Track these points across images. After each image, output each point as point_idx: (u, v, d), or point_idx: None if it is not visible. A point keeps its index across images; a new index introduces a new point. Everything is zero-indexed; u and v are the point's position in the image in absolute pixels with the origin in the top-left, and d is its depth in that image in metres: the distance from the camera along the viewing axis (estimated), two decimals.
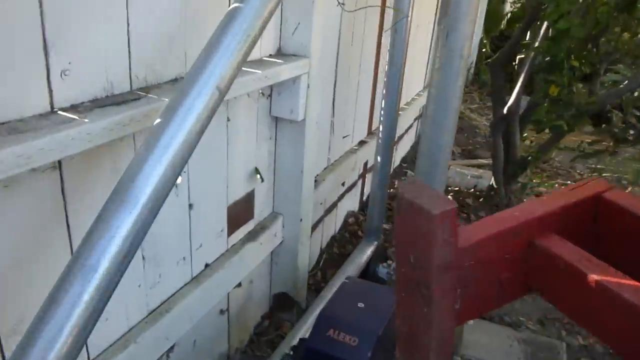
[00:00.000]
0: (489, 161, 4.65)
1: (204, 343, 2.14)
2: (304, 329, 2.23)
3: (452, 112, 1.84)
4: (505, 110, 3.99)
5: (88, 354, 1.49)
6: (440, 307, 0.84)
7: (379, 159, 3.14)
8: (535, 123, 3.58)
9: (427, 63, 5.33)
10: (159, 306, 1.80)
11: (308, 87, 2.19)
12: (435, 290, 0.82)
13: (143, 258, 1.67)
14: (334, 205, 3.42)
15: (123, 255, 1.02)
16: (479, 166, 5.09)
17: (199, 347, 2.11)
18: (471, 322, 2.54)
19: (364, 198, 4.17)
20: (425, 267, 0.82)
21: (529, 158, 4.03)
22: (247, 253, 2.22)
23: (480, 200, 4.39)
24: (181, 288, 1.90)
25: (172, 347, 1.91)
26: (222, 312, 2.24)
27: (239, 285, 2.31)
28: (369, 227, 3.10)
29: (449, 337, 0.87)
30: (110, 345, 1.59)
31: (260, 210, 2.39)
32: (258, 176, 2.26)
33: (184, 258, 1.89)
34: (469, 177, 4.65)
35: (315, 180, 2.76)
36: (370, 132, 3.88)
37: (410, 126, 5.17)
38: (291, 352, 1.82)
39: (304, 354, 1.72)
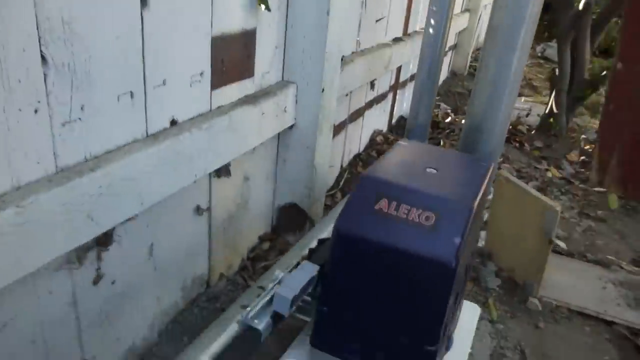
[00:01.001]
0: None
1: (167, 253, 1.37)
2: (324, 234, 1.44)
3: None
4: (570, 16, 3.15)
5: None
6: None
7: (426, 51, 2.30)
8: None
9: None
10: (77, 164, 1.02)
11: None
12: None
13: (43, 59, 0.89)
14: (359, 114, 2.63)
15: None
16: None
17: (159, 257, 1.34)
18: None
19: (394, 120, 3.38)
20: None
21: (604, 73, 3.20)
22: (240, 120, 1.44)
23: (534, 131, 3.58)
24: (126, 145, 1.13)
25: (106, 239, 1.14)
26: (199, 210, 1.46)
27: (227, 172, 1.53)
28: (410, 126, 2.30)
29: None
30: None
31: (264, 70, 1.60)
32: (262, 6, 1.46)
33: (131, 94, 1.11)
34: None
35: (342, 59, 1.96)
36: (406, 34, 3.07)
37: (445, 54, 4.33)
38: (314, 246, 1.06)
39: (333, 244, 0.94)
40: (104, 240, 1.14)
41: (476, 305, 1.39)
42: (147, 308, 1.37)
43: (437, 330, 0.92)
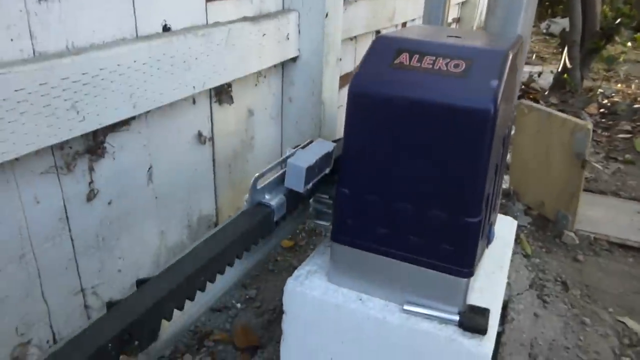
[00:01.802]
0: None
1: (168, 182, 1.25)
2: None
3: None
4: None
5: None
6: None
7: None
8: None
9: None
10: (58, 52, 0.91)
11: None
12: None
13: None
14: None
15: None
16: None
17: (160, 185, 1.22)
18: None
19: None
20: None
21: (618, 21, 3.07)
22: (239, 36, 1.32)
23: (547, 91, 3.44)
24: (112, 43, 1.01)
25: (97, 147, 1.03)
26: (200, 137, 1.35)
27: (229, 98, 1.42)
28: None
29: None
30: None
31: None
32: None
33: None
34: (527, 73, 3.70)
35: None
36: None
37: None
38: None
39: (349, 108, 0.82)
40: (95, 148, 1.02)
41: (512, 218, 1.26)
42: (150, 241, 1.25)
43: (478, 196, 0.79)
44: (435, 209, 0.81)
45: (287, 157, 0.80)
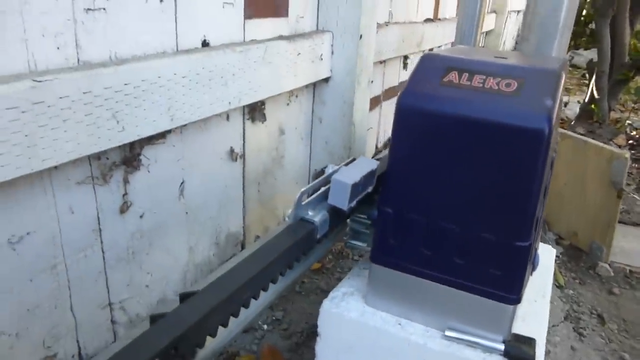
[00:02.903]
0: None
1: (199, 197, 1.24)
2: None
3: None
4: None
5: None
6: None
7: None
8: None
9: None
10: (102, 62, 0.91)
11: None
12: None
13: None
14: (394, 92, 2.50)
15: None
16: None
17: (191, 200, 1.21)
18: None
19: None
20: None
21: None
22: (276, 53, 1.32)
23: (573, 121, 3.40)
24: (153, 55, 1.02)
25: (133, 158, 1.02)
26: (232, 154, 1.34)
27: (262, 115, 1.41)
28: None
29: None
30: None
31: (298, 14, 1.49)
32: None
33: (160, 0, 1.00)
34: None
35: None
36: (436, 17, 2.98)
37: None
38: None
39: (396, 123, 0.80)
40: (132, 159, 1.01)
41: (550, 246, 1.22)
42: (179, 257, 1.23)
43: (529, 219, 0.76)
44: (483, 231, 0.78)
45: (332, 174, 0.78)
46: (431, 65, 0.82)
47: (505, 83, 0.77)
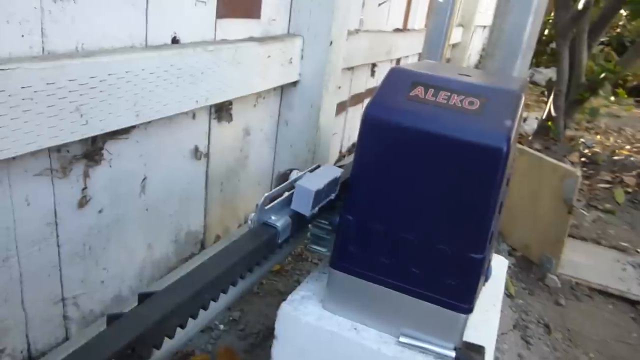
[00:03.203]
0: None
1: (160, 195, 1.23)
2: None
3: None
4: (570, 15, 3.13)
5: None
6: None
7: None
8: (631, 5, 2.72)
9: None
10: (68, 52, 0.90)
11: None
12: None
13: None
14: (360, 99, 2.54)
15: None
16: None
17: (151, 197, 1.20)
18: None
19: None
20: None
21: (603, 75, 3.17)
22: (246, 54, 1.32)
23: (531, 136, 3.52)
24: (122, 49, 1.00)
25: (95, 152, 1.00)
26: (197, 153, 1.33)
27: (228, 116, 1.41)
28: None
29: None
30: None
31: (270, 16, 1.50)
32: None
33: None
34: None
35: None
36: (405, 28, 3.03)
37: None
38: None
39: (361, 134, 0.81)
40: (93, 153, 1.00)
41: (503, 257, 1.27)
42: (136, 254, 1.21)
43: (485, 233, 0.79)
44: (440, 242, 0.80)
45: (296, 180, 0.79)
46: (399, 79, 0.84)
47: (468, 101, 0.80)
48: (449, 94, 0.81)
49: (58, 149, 0.93)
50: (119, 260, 1.15)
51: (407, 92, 0.82)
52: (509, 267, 1.81)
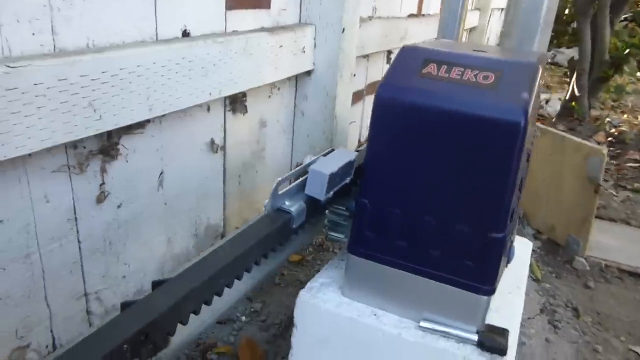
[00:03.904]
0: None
1: (178, 189, 1.23)
2: None
3: None
4: None
5: None
6: None
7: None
8: None
9: None
10: (79, 49, 0.90)
11: None
12: None
13: None
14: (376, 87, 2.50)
15: None
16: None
17: (170, 191, 1.20)
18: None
19: None
20: None
21: (627, 51, 3.08)
22: (257, 45, 1.32)
23: (554, 118, 3.44)
24: (132, 44, 1.00)
25: (111, 148, 1.01)
26: (213, 146, 1.33)
27: (243, 107, 1.41)
28: None
29: None
30: None
31: (280, 6, 1.49)
32: None
33: None
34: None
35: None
36: (420, 13, 2.99)
37: None
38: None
39: (374, 115, 0.80)
40: (109, 148, 1.00)
41: (527, 239, 1.24)
42: (156, 248, 1.22)
43: (505, 211, 0.77)
44: (459, 222, 0.79)
45: (309, 164, 0.78)
46: (410, 57, 0.82)
47: (483, 76, 0.77)
48: (462, 69, 0.78)
49: (74, 145, 0.94)
50: (140, 254, 1.16)
51: (419, 70, 0.80)
52: (535, 250, 1.77)
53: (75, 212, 0.98)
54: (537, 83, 0.78)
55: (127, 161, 1.06)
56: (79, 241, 1.00)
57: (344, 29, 1.59)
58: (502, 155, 0.74)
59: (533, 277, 1.61)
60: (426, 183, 0.79)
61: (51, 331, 0.99)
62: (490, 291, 0.80)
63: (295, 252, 1.62)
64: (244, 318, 1.30)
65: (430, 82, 0.78)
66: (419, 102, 0.77)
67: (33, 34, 0.83)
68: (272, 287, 1.40)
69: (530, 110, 0.74)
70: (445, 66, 0.79)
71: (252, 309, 1.33)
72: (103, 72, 0.90)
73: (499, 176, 0.75)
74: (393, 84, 0.80)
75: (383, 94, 0.80)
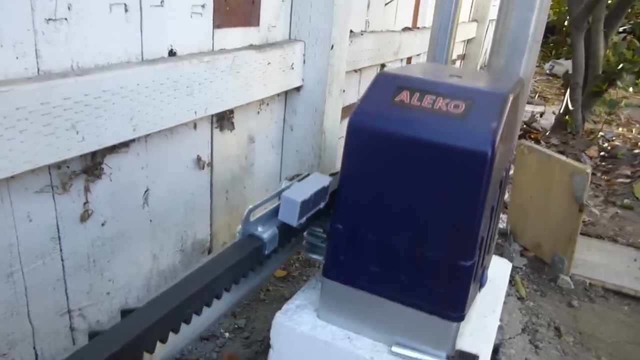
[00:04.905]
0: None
1: (164, 205, 1.25)
2: None
3: None
4: (584, 4, 3.06)
5: None
6: None
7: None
8: None
9: None
10: (63, 72, 0.92)
11: None
12: None
13: None
14: None
15: None
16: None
17: (155, 208, 1.22)
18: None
19: None
20: None
21: (621, 66, 3.10)
22: (244, 63, 1.34)
23: (548, 131, 3.46)
24: (117, 65, 1.02)
25: (94, 167, 1.02)
26: (199, 162, 1.35)
27: (230, 124, 1.42)
28: None
29: None
30: None
31: (270, 23, 1.51)
32: None
33: (125, 7, 1.01)
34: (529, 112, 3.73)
35: (351, 32, 1.89)
36: (415, 26, 3.01)
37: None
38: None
39: (347, 142, 0.82)
40: (93, 168, 1.02)
41: (507, 260, 1.25)
42: (142, 264, 1.24)
43: (473, 240, 0.78)
44: (429, 249, 0.80)
45: (283, 190, 0.80)
46: (384, 85, 0.84)
47: (454, 105, 0.79)
48: (434, 97, 0.80)
49: (58, 165, 0.96)
50: (125, 272, 1.18)
51: (392, 97, 0.82)
52: (521, 267, 1.78)
53: (58, 231, 0.99)
54: (507, 111, 0.80)
55: (111, 180, 1.08)
56: (62, 259, 1.02)
57: (332, 46, 1.61)
58: (471, 184, 0.76)
59: (517, 296, 1.63)
60: (397, 209, 0.81)
61: (34, 347, 1.01)
62: (460, 317, 0.81)
63: (280, 268, 1.63)
64: (227, 334, 1.31)
65: (402, 110, 0.80)
66: (390, 130, 0.79)
67: (17, 58, 0.85)
68: (257, 304, 1.41)
69: (498, 139, 0.76)
70: (418, 94, 0.81)
71: (236, 325, 1.34)
72: (86, 95, 0.91)
73: (468, 205, 0.77)
74: (366, 111, 0.82)
75: (356, 121, 0.82)
